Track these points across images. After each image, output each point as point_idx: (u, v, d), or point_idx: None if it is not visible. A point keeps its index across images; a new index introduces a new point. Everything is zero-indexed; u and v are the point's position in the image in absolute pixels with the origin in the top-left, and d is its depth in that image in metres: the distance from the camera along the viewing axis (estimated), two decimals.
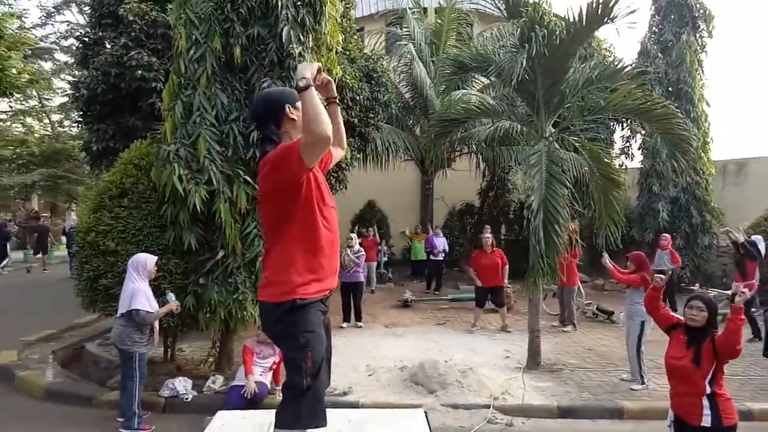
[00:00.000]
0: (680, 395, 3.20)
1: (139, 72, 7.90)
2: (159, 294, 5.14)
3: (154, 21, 8.25)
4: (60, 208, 24.14)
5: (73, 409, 5.32)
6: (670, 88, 12.69)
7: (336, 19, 6.59)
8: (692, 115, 12.29)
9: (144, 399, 5.01)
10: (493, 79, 8.61)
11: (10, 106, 19.06)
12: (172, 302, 4.94)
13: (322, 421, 2.24)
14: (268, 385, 5.22)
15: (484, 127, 10.96)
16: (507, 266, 8.69)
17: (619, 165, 13.22)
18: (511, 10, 6.43)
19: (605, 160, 7.01)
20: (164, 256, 5.35)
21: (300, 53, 5.70)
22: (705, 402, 3.06)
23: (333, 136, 2.16)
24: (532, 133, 7.23)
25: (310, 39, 5.90)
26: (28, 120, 21.88)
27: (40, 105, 20.82)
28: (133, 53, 7.98)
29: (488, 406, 5.19)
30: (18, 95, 15.67)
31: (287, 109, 2.30)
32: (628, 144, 13.78)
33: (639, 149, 13.48)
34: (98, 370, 6.14)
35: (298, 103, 2.23)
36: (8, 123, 20.70)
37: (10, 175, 20.64)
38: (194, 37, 5.50)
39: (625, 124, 13.27)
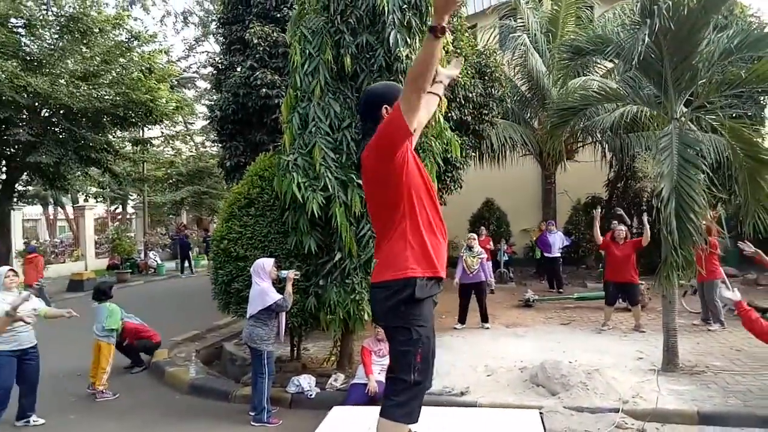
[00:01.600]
0: None
1: (264, 90, 8.53)
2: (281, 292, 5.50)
3: (276, 42, 8.86)
4: (205, 221, 26.71)
5: (212, 403, 5.87)
6: None
7: None
8: None
9: (272, 394, 5.39)
10: (615, 61, 8.06)
11: (162, 132, 21.46)
12: (290, 273, 5.19)
13: (414, 420, 2.27)
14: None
15: (609, 114, 10.28)
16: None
17: None
18: None
19: (752, 139, 6.22)
20: (287, 259, 5.71)
21: (407, 56, 5.79)
22: None
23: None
24: (662, 116, 6.63)
25: (417, 41, 5.94)
26: (177, 143, 24.52)
27: (185, 129, 23.22)
28: (257, 73, 8.64)
29: (617, 410, 4.83)
30: (166, 122, 17.62)
31: (383, 110, 2.35)
32: None
33: None
34: (234, 367, 6.71)
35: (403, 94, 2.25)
36: (161, 147, 23.34)
37: (163, 194, 23.36)
38: (308, 51, 5.82)
39: None
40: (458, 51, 9.77)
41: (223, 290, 5.96)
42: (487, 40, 13.85)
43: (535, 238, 13.63)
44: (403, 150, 2.22)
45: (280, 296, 5.07)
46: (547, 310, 9.71)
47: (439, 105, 6.25)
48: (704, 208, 5.73)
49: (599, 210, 10.54)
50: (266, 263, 5.19)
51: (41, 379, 5.42)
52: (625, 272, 7.90)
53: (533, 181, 15.40)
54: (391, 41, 5.61)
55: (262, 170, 6.17)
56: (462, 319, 8.56)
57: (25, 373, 5.19)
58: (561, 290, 11.43)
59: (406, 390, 2.22)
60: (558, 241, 11.93)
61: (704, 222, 6.42)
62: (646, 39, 5.42)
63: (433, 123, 6.02)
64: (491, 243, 12.86)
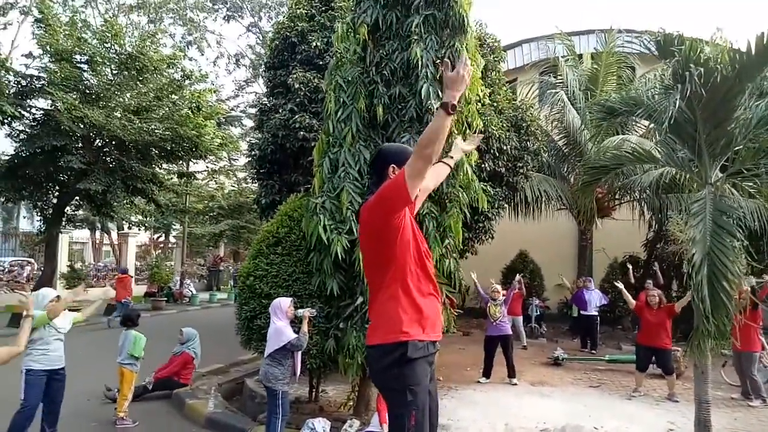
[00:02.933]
0: None
1: (302, 133, 8.85)
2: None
3: (316, 87, 9.21)
4: (242, 254, 27.25)
5: None
6: None
7: (476, 73, 6.75)
8: None
9: None
10: (645, 123, 8.01)
11: (207, 166, 22.30)
12: (305, 311, 5.25)
13: None
14: None
15: (647, 174, 10.15)
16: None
17: None
18: (663, 50, 5.99)
19: None
20: (310, 300, 5.78)
21: (438, 108, 5.94)
22: None
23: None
24: (696, 180, 6.52)
25: None
26: (221, 177, 25.38)
27: (229, 164, 24.07)
28: (297, 117, 8.98)
29: None
30: (211, 157, 18.32)
31: (390, 169, 2.43)
32: None
33: None
34: (253, 404, 6.72)
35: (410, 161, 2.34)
36: (205, 181, 24.20)
37: (203, 226, 24.08)
38: (342, 99, 6.05)
39: None
40: (495, 104, 9.94)
41: (246, 326, 6.06)
42: (526, 95, 13.99)
43: (570, 295, 13.30)
44: (401, 215, 2.29)
45: (295, 335, 5.12)
46: (577, 370, 9.39)
47: (469, 156, 6.42)
48: (738, 277, 5.54)
49: (631, 268, 10.28)
50: (283, 303, 5.27)
51: (65, 400, 5.55)
52: (657, 337, 7.60)
53: (568, 236, 15.19)
54: (423, 94, 5.77)
55: (292, 210, 6.33)
56: (486, 373, 8.36)
57: (52, 392, 5.31)
58: (594, 351, 11.06)
59: None
60: (595, 298, 11.60)
61: (739, 291, 6.21)
62: (678, 103, 5.40)
63: (461, 175, 6.10)
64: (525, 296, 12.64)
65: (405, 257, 2.33)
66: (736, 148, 6.06)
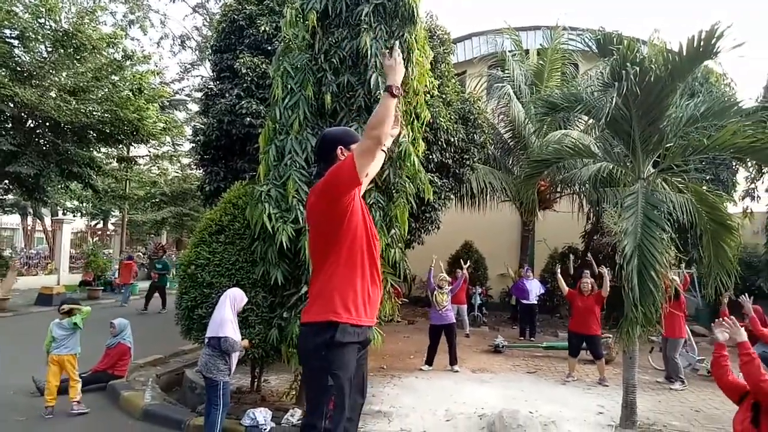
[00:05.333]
0: None
1: (248, 119, 8.64)
2: (245, 326, 5.49)
3: (264, 73, 9.01)
4: (185, 242, 26.49)
5: (164, 431, 5.72)
6: None
7: (425, 65, 6.80)
8: None
9: (226, 426, 5.30)
10: (585, 118, 8.33)
11: (149, 152, 21.48)
12: (245, 340, 5.30)
13: None
14: None
15: (586, 167, 10.55)
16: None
17: (744, 209, 12.01)
18: (603, 48, 6.22)
19: (714, 202, 6.42)
20: (253, 289, 5.71)
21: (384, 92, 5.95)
22: None
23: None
24: (630, 174, 6.83)
25: None
26: (164, 163, 24.52)
27: (173, 150, 23.28)
28: (243, 102, 8.77)
29: None
30: (153, 141, 17.67)
31: (338, 151, 2.43)
32: (753, 185, 12.47)
33: (767, 191, 12.18)
34: (194, 395, 6.58)
35: (353, 146, 2.35)
36: (147, 166, 23.31)
37: (144, 213, 23.22)
38: (289, 86, 5.95)
39: (750, 164, 12.08)
40: (443, 96, 10.06)
41: (187, 316, 5.91)
42: (474, 88, 14.23)
43: (511, 284, 13.70)
44: (350, 197, 2.29)
45: (237, 339, 5.03)
46: (516, 357, 9.71)
47: (416, 147, 6.47)
48: (666, 267, 5.86)
49: (572, 258, 10.71)
50: (241, 298, 5.20)
51: None
52: (587, 324, 7.99)
53: (512, 227, 15.62)
54: (371, 83, 5.76)
55: (236, 198, 6.21)
56: (429, 361, 8.51)
57: None
58: (533, 338, 11.46)
59: None
60: (535, 288, 12.00)
61: (666, 280, 6.58)
62: (615, 100, 5.63)
63: (408, 164, 6.15)
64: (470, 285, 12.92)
65: (351, 240, 2.34)
66: (668, 145, 6.38)
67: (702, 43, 5.57)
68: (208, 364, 5.01)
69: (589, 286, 8.23)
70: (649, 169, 6.51)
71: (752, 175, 12.41)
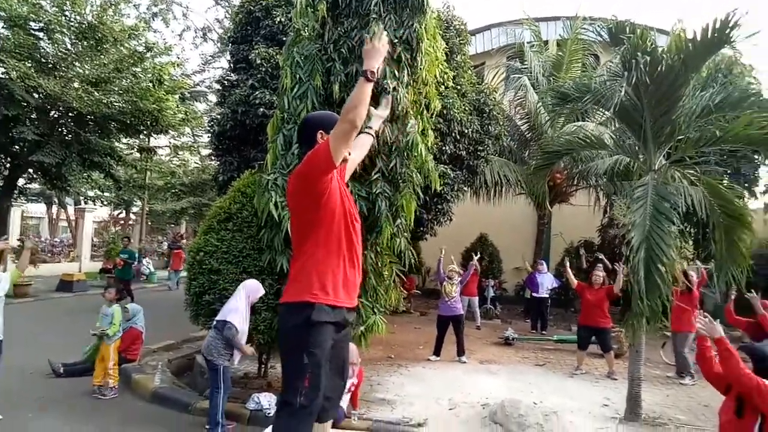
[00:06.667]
0: None
1: (262, 109, 8.72)
2: (252, 312, 5.58)
3: (278, 64, 9.07)
4: None
5: (173, 413, 5.86)
6: None
7: (436, 55, 6.78)
8: None
9: (231, 410, 5.42)
10: (604, 112, 8.21)
11: (170, 142, 21.78)
12: (249, 348, 5.39)
13: None
14: (345, 408, 5.33)
15: (603, 161, 10.42)
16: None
17: (766, 204, 11.74)
18: (614, 37, 6.13)
19: (727, 195, 6.29)
20: (260, 276, 5.77)
21: (394, 88, 5.95)
22: None
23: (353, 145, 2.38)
24: (642, 167, 6.74)
25: (405, 74, 6.12)
26: (185, 154, 24.83)
27: (193, 141, 23.57)
28: (257, 93, 8.85)
29: None
30: (173, 132, 17.92)
31: (319, 135, 2.47)
32: None
33: None
34: (203, 380, 6.68)
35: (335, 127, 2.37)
36: (167, 157, 23.64)
37: (164, 203, 23.59)
38: (298, 76, 5.99)
39: None
40: (458, 87, 10.01)
41: (195, 301, 6.02)
42: (491, 79, 14.11)
43: (525, 277, 13.64)
44: (326, 180, 2.32)
45: (240, 326, 5.09)
46: (526, 349, 9.68)
47: (425, 137, 6.47)
48: (674, 260, 5.78)
49: (584, 253, 10.61)
50: (260, 291, 5.29)
51: (9, 375, 5.46)
52: (596, 317, 7.93)
53: (528, 220, 15.49)
54: (379, 73, 5.76)
55: (244, 187, 6.28)
56: (437, 352, 8.54)
57: None
58: (544, 331, 11.39)
59: (291, 414, 2.25)
60: (547, 281, 11.92)
61: (676, 274, 6.50)
62: (625, 90, 5.56)
63: (416, 155, 6.15)
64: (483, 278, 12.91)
65: (329, 223, 2.38)
66: (680, 137, 6.27)
67: (716, 32, 5.46)
68: (210, 347, 5.11)
69: (601, 279, 8.16)
70: (661, 161, 6.42)
71: None
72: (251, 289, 5.27)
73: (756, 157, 11.55)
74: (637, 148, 6.75)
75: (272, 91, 8.94)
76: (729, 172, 11.10)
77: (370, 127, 2.96)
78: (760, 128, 5.67)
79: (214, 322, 5.22)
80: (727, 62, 11.18)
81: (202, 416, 5.53)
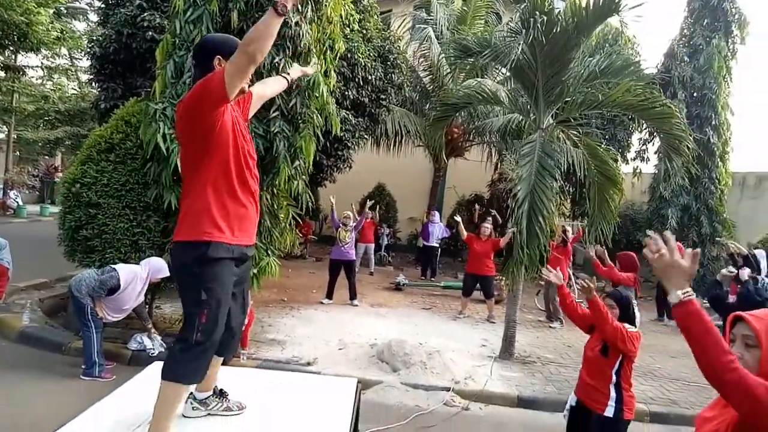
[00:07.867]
0: (587, 384, 3.33)
1: (150, 33, 7.97)
2: (135, 250, 5.28)
3: None
4: None
5: (44, 354, 5.48)
6: (694, 93, 12.41)
7: None
8: (713, 122, 12.01)
9: (111, 350, 5.19)
10: (504, 70, 8.49)
11: (42, 63, 19.43)
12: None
13: (197, 380, 2.27)
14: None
15: (497, 119, 10.84)
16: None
17: (634, 168, 12.95)
18: None
19: (603, 156, 6.84)
20: (145, 213, 5.47)
21: (297, 23, 5.70)
22: (612, 392, 3.17)
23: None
24: (532, 125, 7.11)
25: (309, 9, 5.87)
26: (63, 79, 22.31)
27: (70, 63, 21.22)
28: (146, 14, 8.06)
29: (448, 389, 5.19)
30: (46, 52, 16.00)
31: (216, 61, 2.29)
32: (644, 147, 13.41)
33: (655, 153, 13.16)
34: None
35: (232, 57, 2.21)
36: (40, 80, 21.13)
37: (35, 131, 21.22)
38: None
39: (643, 126, 12.93)
40: (364, 31, 9.81)
41: (70, 236, 5.57)
42: (397, 28, 13.98)
43: (421, 227, 14.10)
44: (217, 113, 2.18)
45: (117, 285, 4.87)
46: (415, 294, 10.12)
47: (327, 79, 6.31)
48: (553, 214, 6.25)
49: (477, 207, 11.13)
50: (162, 271, 5.05)
51: None
52: (482, 266, 8.44)
53: (424, 173, 15.87)
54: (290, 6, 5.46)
55: (129, 115, 5.81)
56: (329, 295, 8.68)
57: None
58: (433, 278, 11.96)
59: (187, 349, 2.19)
60: (437, 231, 12.42)
61: (557, 228, 7.05)
62: (522, 48, 5.77)
63: (317, 95, 6.00)
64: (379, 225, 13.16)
65: (221, 157, 2.24)
66: (567, 99, 6.65)
67: (607, 1, 5.78)
68: (81, 282, 4.79)
69: (488, 231, 8.63)
70: (549, 120, 6.80)
71: (644, 138, 13.32)
72: (154, 268, 5.07)
73: (631, 123, 12.64)
74: (528, 106, 7.08)
75: (163, 14, 8.21)
76: (607, 137, 12.05)
77: (288, 74, 2.85)
78: (636, 95, 6.17)
79: (109, 267, 4.91)
80: (614, 33, 11.95)
81: (78, 356, 5.23)
